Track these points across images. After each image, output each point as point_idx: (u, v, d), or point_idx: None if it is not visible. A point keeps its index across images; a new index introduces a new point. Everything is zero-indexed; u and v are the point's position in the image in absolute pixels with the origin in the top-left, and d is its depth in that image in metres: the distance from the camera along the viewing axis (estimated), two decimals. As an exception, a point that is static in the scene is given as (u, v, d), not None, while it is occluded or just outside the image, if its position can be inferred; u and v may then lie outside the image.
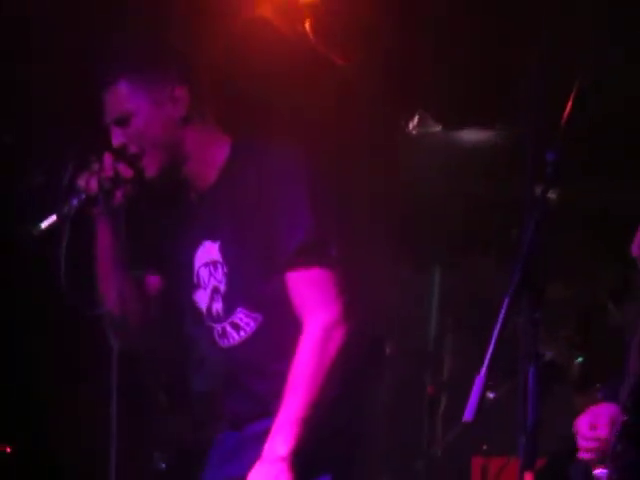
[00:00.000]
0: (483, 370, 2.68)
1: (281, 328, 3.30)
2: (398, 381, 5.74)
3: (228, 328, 3.38)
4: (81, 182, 3.40)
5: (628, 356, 3.29)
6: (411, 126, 5.48)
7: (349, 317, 3.28)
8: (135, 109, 3.31)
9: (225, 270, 3.36)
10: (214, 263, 3.37)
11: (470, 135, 5.59)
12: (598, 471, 3.29)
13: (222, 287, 3.37)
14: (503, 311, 2.71)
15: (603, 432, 3.27)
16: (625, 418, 3.23)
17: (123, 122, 3.37)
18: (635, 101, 4.53)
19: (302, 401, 3.21)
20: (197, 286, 3.43)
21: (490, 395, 4.89)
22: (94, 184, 3.35)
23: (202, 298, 3.42)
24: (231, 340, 3.36)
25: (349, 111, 4.93)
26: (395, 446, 5.52)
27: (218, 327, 3.39)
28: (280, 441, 3.16)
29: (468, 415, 2.63)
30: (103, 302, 3.54)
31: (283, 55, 4.68)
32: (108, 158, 3.35)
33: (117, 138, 3.36)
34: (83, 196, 3.32)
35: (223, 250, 3.36)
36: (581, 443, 3.32)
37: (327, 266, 3.27)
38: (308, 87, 4.70)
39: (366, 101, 4.90)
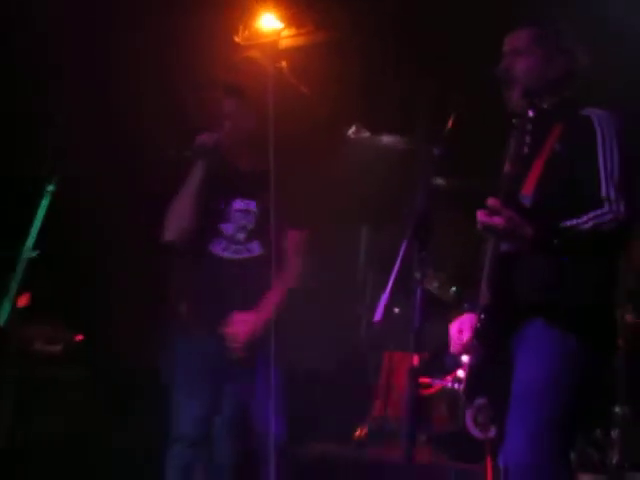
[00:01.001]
0: (387, 289, 3.46)
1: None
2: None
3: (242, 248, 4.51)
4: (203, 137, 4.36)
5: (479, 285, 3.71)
6: (350, 133, 5.98)
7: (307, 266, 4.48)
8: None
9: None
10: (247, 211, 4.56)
11: (388, 139, 5.98)
12: (463, 358, 3.83)
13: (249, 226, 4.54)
14: (402, 250, 3.46)
15: (466, 334, 3.76)
16: (477, 325, 3.67)
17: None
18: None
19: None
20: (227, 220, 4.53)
21: (396, 310, 5.40)
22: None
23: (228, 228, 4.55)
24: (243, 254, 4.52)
25: (313, 126, 5.41)
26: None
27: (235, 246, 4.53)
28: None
29: (376, 317, 3.46)
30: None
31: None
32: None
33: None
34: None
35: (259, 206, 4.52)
36: (452, 342, 3.84)
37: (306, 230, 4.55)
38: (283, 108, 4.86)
39: (324, 118, 5.41)
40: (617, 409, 5.03)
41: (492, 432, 4.06)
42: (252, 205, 4.55)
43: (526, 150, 3.56)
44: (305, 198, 4.61)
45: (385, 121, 5.49)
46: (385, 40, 5.26)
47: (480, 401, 3.98)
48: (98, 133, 5.45)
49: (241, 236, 4.54)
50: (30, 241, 4.15)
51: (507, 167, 3.57)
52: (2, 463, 4.56)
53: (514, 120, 3.62)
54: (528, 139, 3.54)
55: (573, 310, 3.58)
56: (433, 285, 5.38)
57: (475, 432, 4.33)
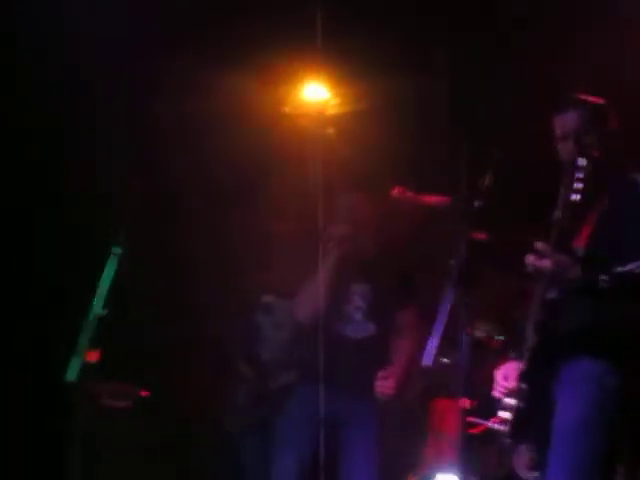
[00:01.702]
0: (435, 333, 3.77)
1: None
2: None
3: None
4: None
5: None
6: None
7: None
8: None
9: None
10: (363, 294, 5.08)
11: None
12: (508, 401, 3.95)
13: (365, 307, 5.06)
14: (447, 297, 3.73)
15: (512, 380, 3.90)
16: (523, 367, 3.83)
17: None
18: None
19: None
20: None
21: (445, 360, 5.14)
22: None
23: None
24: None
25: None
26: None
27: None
28: None
29: (426, 361, 3.79)
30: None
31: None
32: None
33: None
34: None
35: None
36: (497, 387, 4.00)
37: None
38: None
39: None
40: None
41: (538, 476, 4.16)
42: (368, 288, 5.05)
43: (575, 198, 3.75)
44: (411, 273, 5.18)
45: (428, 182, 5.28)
46: (426, 106, 5.47)
47: (526, 445, 4.14)
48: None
49: (358, 316, 5.02)
50: (99, 299, 4.31)
51: (557, 214, 3.77)
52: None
53: (566, 168, 3.82)
54: (579, 187, 3.73)
55: (611, 352, 3.73)
56: (479, 334, 5.40)
57: (523, 475, 4.65)
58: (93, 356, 4.31)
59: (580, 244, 3.83)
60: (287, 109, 5.67)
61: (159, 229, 5.55)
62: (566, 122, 3.95)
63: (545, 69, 5.13)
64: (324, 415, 4.87)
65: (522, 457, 4.49)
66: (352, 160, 5.46)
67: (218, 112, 5.49)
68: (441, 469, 5.48)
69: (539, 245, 3.74)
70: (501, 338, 5.38)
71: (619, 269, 3.68)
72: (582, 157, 3.75)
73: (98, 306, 4.31)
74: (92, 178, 5.49)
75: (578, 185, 3.73)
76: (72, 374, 4.37)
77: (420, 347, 4.62)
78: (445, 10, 5.31)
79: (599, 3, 5.08)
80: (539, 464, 3.90)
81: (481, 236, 4.73)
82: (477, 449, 5.00)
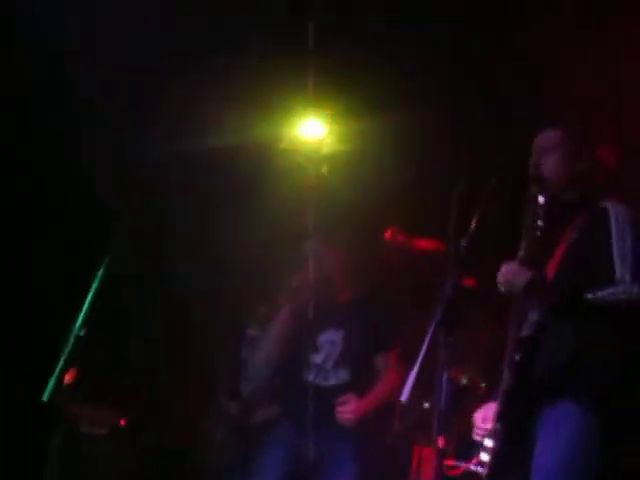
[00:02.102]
0: (414, 369, 3.59)
1: None
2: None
3: None
4: None
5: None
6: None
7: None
8: None
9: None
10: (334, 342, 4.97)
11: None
12: (487, 443, 3.89)
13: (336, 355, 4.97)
14: (428, 339, 3.58)
15: (490, 423, 3.86)
16: (499, 408, 3.77)
17: None
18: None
19: None
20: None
21: (426, 405, 5.22)
22: None
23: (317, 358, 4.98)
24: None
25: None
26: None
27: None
28: None
29: (403, 397, 3.60)
30: None
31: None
32: None
33: None
34: None
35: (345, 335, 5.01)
36: (476, 430, 3.98)
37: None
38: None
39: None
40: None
41: None
42: (340, 335, 4.94)
43: (538, 235, 3.75)
44: (390, 316, 5.04)
45: (420, 225, 5.43)
46: (421, 148, 5.45)
47: None
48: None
49: (329, 365, 4.91)
50: (80, 319, 4.26)
51: (521, 252, 3.76)
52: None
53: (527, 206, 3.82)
54: (540, 225, 3.74)
55: (591, 392, 3.65)
56: (463, 379, 5.32)
57: None
58: (69, 376, 4.24)
59: (550, 273, 3.79)
60: (283, 145, 5.64)
61: (149, 249, 5.55)
62: (537, 140, 3.96)
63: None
64: (300, 453, 4.83)
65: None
66: (343, 199, 5.41)
67: (216, 147, 5.50)
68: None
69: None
70: (484, 385, 5.25)
71: (590, 296, 3.64)
72: (541, 196, 3.77)
73: (78, 325, 4.25)
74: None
75: (538, 223, 3.76)
76: (47, 394, 4.34)
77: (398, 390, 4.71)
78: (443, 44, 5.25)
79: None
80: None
81: (468, 281, 4.77)
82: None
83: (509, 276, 3.71)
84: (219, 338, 5.47)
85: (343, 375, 4.95)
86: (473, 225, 3.74)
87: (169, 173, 5.70)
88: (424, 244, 5.39)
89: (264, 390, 5.16)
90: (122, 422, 5.43)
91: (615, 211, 3.78)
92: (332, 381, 4.93)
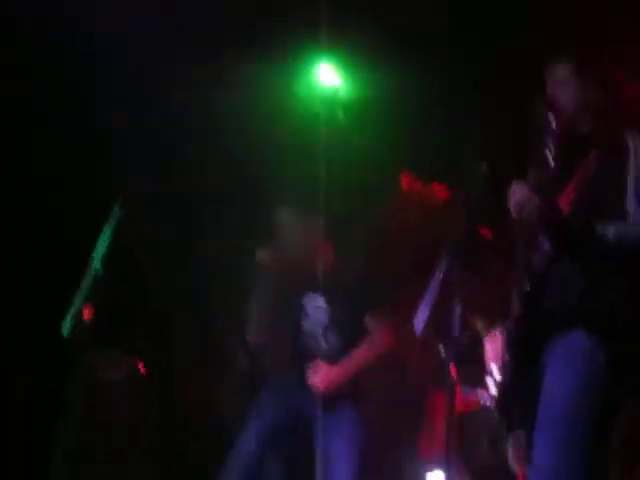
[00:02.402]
0: (426, 299, 3.76)
1: None
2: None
3: None
4: None
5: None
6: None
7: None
8: None
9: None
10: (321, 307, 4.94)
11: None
12: (496, 375, 4.12)
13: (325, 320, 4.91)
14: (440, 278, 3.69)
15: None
16: (507, 337, 3.69)
17: None
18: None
19: None
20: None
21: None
22: None
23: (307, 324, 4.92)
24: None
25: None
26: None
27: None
28: None
29: (418, 329, 3.75)
30: None
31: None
32: None
33: None
34: None
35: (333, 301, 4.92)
36: (487, 357, 4.25)
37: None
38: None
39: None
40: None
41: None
42: (325, 300, 4.86)
43: (553, 165, 3.64)
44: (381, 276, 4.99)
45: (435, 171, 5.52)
46: (434, 93, 5.41)
47: (521, 436, 3.91)
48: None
49: (318, 330, 4.85)
50: (97, 257, 4.30)
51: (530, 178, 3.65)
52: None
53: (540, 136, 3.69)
54: (551, 151, 3.65)
55: (600, 326, 3.57)
56: (479, 327, 5.21)
57: (515, 466, 4.36)
58: (87, 313, 4.28)
59: (562, 208, 3.68)
60: (300, 93, 5.63)
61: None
62: (547, 75, 3.88)
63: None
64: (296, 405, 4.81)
65: (516, 448, 4.47)
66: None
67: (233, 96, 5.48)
68: (431, 466, 5.45)
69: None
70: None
71: (601, 232, 3.54)
72: (556, 125, 3.67)
73: (96, 263, 4.29)
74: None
75: (551, 149, 3.65)
76: (66, 330, 4.38)
77: (387, 349, 4.79)
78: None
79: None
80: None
81: (482, 229, 4.76)
82: (468, 439, 4.99)
83: (519, 198, 3.59)
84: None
85: (333, 339, 4.89)
86: (485, 174, 3.73)
87: (186, 122, 5.68)
88: (440, 193, 5.44)
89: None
90: (140, 368, 5.36)
91: (634, 145, 3.70)
92: (322, 345, 4.88)
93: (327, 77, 5.57)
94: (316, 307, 4.88)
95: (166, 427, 5.57)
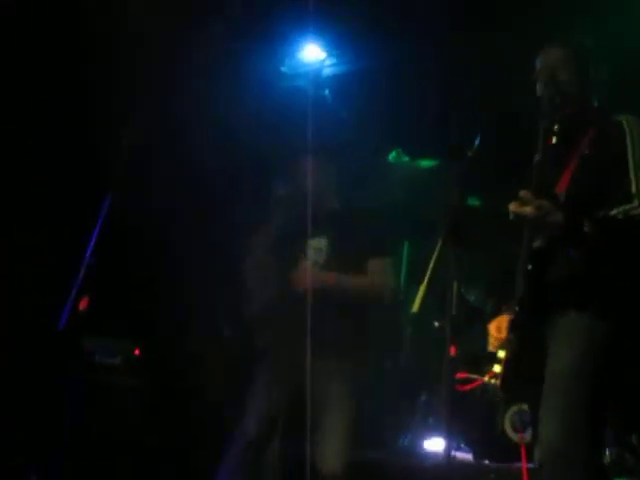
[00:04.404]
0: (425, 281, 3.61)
1: None
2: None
3: None
4: None
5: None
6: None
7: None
8: None
9: None
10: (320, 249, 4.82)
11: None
12: (500, 355, 3.82)
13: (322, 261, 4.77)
14: (435, 255, 3.59)
15: (504, 333, 3.82)
16: (513, 317, 3.72)
17: None
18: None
19: None
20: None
21: (435, 324, 5.64)
22: None
23: None
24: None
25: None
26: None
27: None
28: None
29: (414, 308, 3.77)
30: None
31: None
32: None
33: None
34: None
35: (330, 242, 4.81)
36: (491, 340, 3.91)
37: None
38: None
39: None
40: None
41: (528, 435, 4.21)
42: (325, 242, 4.71)
43: (556, 145, 3.63)
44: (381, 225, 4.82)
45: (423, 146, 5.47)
46: (421, 67, 5.34)
47: (518, 405, 4.17)
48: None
49: (317, 271, 4.66)
50: (91, 247, 4.21)
51: (536, 158, 3.62)
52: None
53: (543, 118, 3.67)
54: (555, 128, 3.62)
55: (603, 304, 3.59)
56: (472, 297, 5.39)
57: (512, 435, 4.62)
58: (83, 303, 4.19)
59: (561, 189, 3.67)
60: (285, 69, 5.54)
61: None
62: (547, 57, 3.84)
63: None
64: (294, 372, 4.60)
65: (513, 419, 4.42)
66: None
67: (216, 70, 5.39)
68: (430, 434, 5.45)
69: (521, 193, 3.58)
70: (492, 303, 5.01)
71: (602, 214, 3.52)
72: (560, 108, 3.65)
73: (89, 253, 4.20)
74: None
75: (555, 127, 3.63)
76: (62, 322, 4.30)
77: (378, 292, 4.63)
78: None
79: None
80: (530, 424, 3.93)
81: (473, 202, 4.70)
82: (467, 410, 4.98)
83: (539, 212, 3.53)
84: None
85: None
86: (475, 145, 3.65)
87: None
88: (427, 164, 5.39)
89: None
90: (136, 351, 5.32)
91: (629, 123, 3.68)
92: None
93: (313, 53, 5.49)
94: (317, 248, 4.75)
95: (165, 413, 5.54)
